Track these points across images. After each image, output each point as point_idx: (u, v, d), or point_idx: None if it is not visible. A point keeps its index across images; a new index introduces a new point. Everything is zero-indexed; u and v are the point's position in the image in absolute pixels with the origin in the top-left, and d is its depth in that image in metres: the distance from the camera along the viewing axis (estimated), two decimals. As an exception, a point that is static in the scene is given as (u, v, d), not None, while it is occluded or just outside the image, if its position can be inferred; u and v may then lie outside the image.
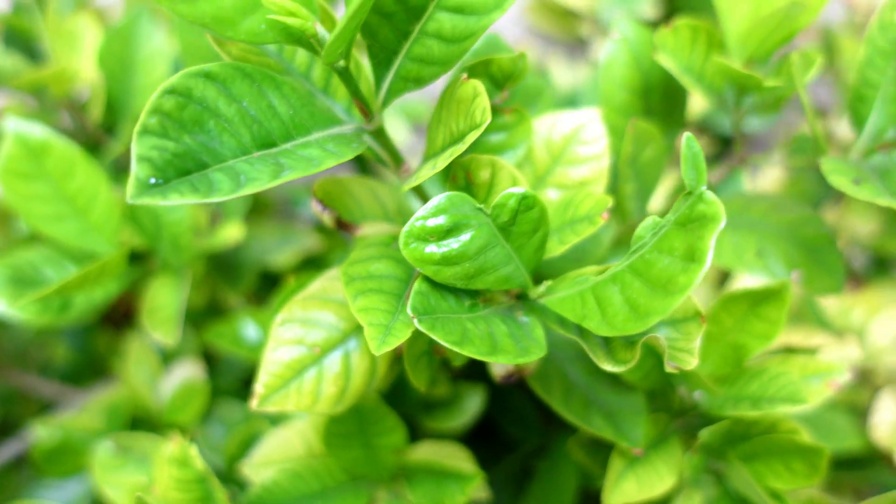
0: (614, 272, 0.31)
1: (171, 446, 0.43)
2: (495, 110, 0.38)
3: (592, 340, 0.34)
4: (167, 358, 0.70)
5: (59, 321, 0.51)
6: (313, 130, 0.32)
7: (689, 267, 0.27)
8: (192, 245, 0.54)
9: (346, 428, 0.47)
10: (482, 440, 0.80)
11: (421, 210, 0.31)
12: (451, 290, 0.33)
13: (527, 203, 0.32)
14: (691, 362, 0.32)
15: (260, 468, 0.50)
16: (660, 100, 0.49)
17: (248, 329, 0.59)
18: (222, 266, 0.64)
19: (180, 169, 0.26)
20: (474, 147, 0.39)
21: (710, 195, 0.27)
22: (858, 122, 0.43)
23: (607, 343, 0.34)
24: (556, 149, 0.41)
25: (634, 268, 0.30)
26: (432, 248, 0.31)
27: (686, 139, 0.28)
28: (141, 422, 0.65)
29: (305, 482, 0.49)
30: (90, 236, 0.50)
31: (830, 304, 0.71)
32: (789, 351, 0.45)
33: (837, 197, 0.78)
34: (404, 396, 0.56)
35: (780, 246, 0.46)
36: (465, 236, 0.31)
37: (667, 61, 0.44)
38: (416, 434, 0.56)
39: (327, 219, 0.39)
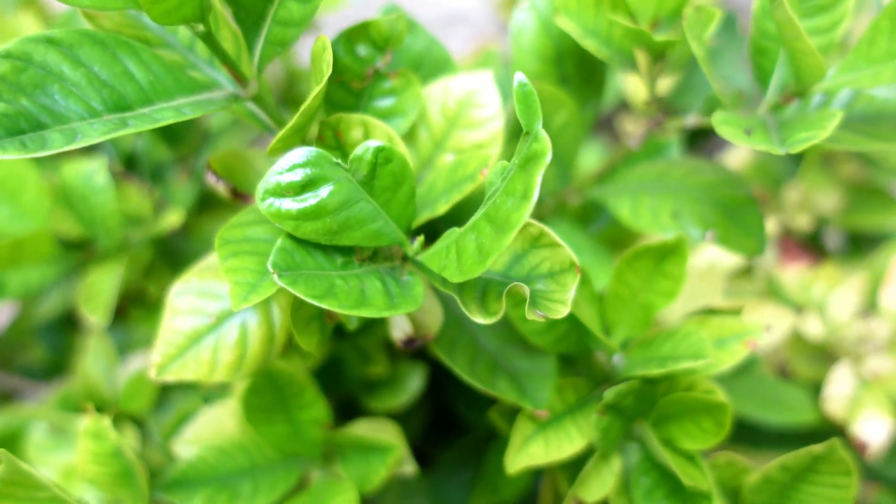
0: (473, 220, 0.31)
1: (87, 420, 0.44)
2: (381, 75, 0.39)
3: (468, 295, 0.34)
4: (125, 350, 0.71)
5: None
6: (177, 96, 0.32)
7: (521, 204, 0.27)
8: (122, 230, 0.55)
9: (265, 401, 0.47)
10: (443, 427, 0.79)
11: (276, 165, 0.31)
12: (321, 247, 0.33)
13: (385, 156, 0.32)
14: (562, 311, 0.32)
15: (191, 445, 0.51)
16: (575, 67, 0.49)
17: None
18: (173, 256, 0.65)
19: (11, 129, 0.27)
20: (366, 110, 0.39)
21: (542, 133, 0.27)
22: (762, 76, 0.42)
23: (483, 296, 0.34)
24: (451, 113, 0.41)
25: (488, 214, 0.30)
26: (289, 204, 0.31)
27: (518, 82, 0.28)
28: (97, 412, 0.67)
29: (233, 459, 0.49)
30: (22, 221, 0.51)
31: (791, 281, 0.70)
32: (710, 312, 0.44)
33: (802, 174, 0.77)
34: (343, 376, 0.57)
35: (695, 207, 0.46)
36: (324, 191, 0.32)
37: (567, 24, 0.44)
38: (360, 415, 0.56)
39: (223, 189, 0.40)
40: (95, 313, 0.53)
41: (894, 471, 0.74)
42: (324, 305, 0.31)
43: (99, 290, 0.55)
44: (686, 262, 0.40)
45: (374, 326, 0.53)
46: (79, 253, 0.57)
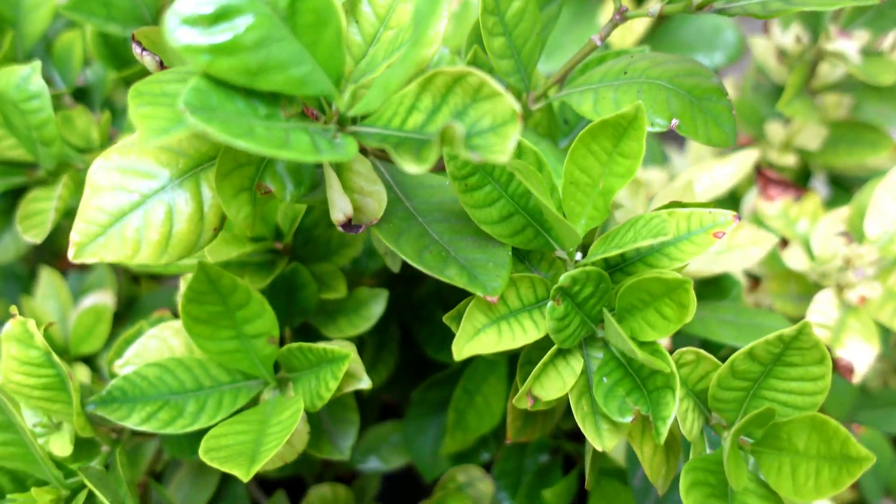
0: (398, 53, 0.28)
1: (11, 324, 0.41)
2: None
3: (405, 151, 0.32)
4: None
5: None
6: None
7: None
8: (64, 150, 0.52)
9: (207, 311, 0.44)
10: (415, 377, 0.76)
11: (186, -8, 0.29)
12: (242, 94, 0.31)
13: (305, -14, 0.29)
14: (501, 158, 0.30)
15: (132, 365, 0.48)
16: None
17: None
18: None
19: None
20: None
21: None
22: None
23: (419, 150, 0.32)
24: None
25: (412, 38, 0.27)
26: (201, 37, 0.29)
27: None
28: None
29: (176, 378, 0.46)
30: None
31: (776, 214, 0.68)
32: (677, 204, 0.42)
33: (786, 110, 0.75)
34: (299, 303, 0.54)
35: (659, 96, 0.43)
36: (240, 23, 0.29)
37: None
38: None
39: (148, 62, 0.37)
40: (30, 232, 0.50)
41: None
42: (240, 143, 0.28)
43: (37, 209, 0.52)
44: (644, 135, 0.38)
45: (319, 214, 0.50)
46: (21, 175, 0.55)
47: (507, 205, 0.40)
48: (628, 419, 0.38)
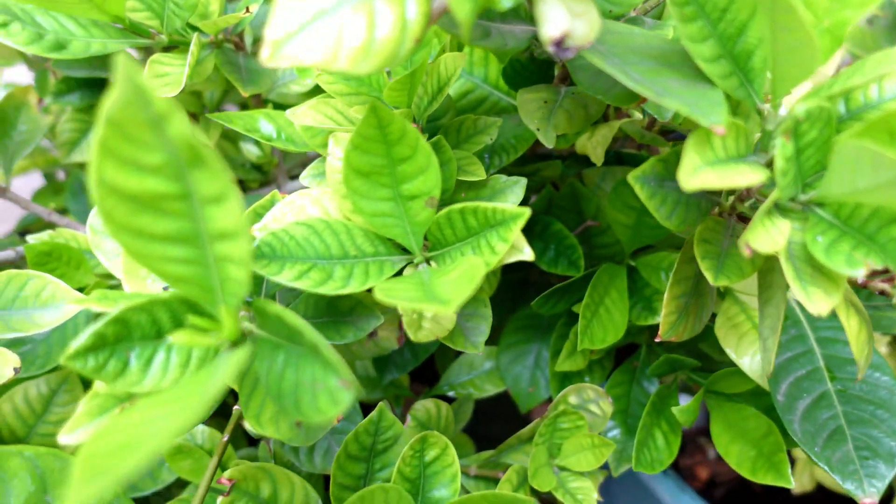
0: None
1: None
2: None
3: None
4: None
5: (57, 55, 0.46)
6: None
7: None
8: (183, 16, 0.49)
9: (369, 161, 0.41)
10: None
11: None
12: None
13: None
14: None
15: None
16: None
17: (264, 124, 0.54)
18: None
19: None
20: None
21: None
22: None
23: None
24: None
25: None
26: None
27: None
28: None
29: (322, 241, 0.43)
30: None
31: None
32: None
33: None
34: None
35: None
36: None
37: None
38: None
39: None
40: (164, 90, 0.47)
41: None
42: None
43: (165, 71, 0.49)
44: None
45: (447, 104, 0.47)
46: (146, 38, 0.51)
47: (716, 46, 0.37)
48: (860, 271, 0.34)
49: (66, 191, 0.80)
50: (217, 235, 0.31)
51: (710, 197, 0.44)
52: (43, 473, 0.37)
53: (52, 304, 0.45)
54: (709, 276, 0.40)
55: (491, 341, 0.72)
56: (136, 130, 0.28)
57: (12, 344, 0.52)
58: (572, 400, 0.61)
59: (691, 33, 0.36)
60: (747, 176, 0.34)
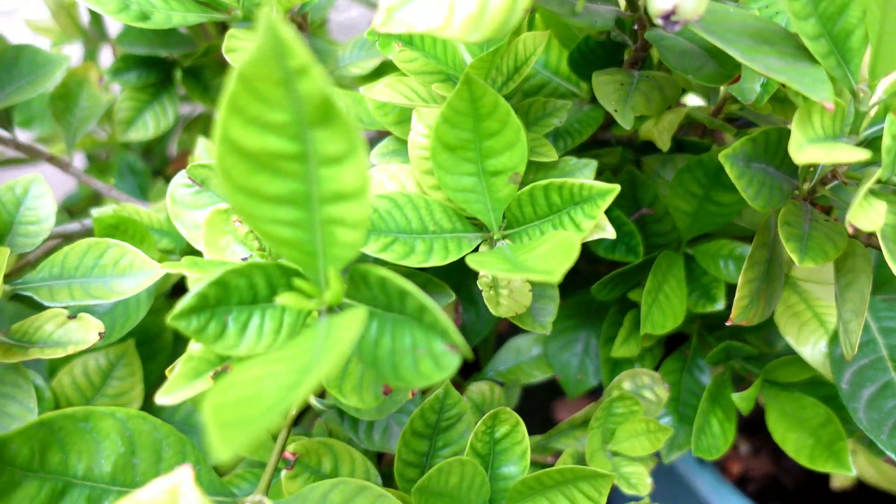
0: None
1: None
2: None
3: None
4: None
5: (142, 25, 0.46)
6: None
7: None
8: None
9: (457, 136, 0.41)
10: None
11: None
12: None
13: None
14: None
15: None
16: None
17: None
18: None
19: None
20: None
21: None
22: None
23: None
24: None
25: None
26: None
27: None
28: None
29: (403, 215, 0.43)
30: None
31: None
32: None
33: None
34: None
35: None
36: None
37: None
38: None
39: None
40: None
41: None
42: None
43: (239, 46, 0.49)
44: None
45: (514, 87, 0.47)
46: (223, 13, 0.52)
47: (817, 24, 0.37)
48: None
49: (112, 171, 0.81)
50: (331, 197, 0.31)
51: (791, 181, 0.44)
52: (132, 435, 0.37)
53: (129, 272, 0.45)
54: (795, 257, 0.40)
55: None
56: (266, 87, 0.28)
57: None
58: (626, 385, 0.61)
59: (796, 10, 0.36)
60: (851, 153, 0.35)
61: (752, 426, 0.98)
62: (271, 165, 0.31)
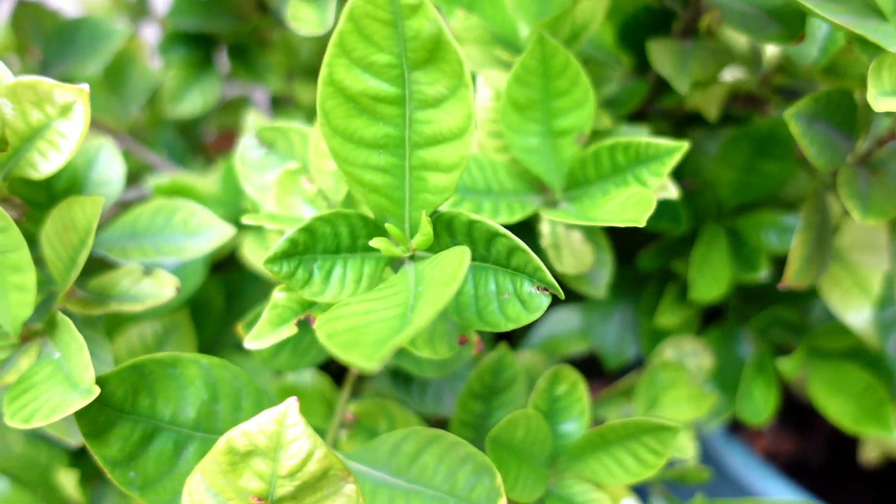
0: None
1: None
2: None
3: None
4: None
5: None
6: None
7: None
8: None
9: (527, 95, 0.42)
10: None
11: None
12: None
13: None
14: None
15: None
16: None
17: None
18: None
19: None
20: None
21: None
22: None
23: None
24: None
25: None
26: None
27: None
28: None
29: (469, 174, 0.44)
30: None
31: None
32: None
33: None
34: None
35: None
36: None
37: None
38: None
39: None
40: (305, 28, 0.48)
41: None
42: None
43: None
44: None
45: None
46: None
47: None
48: None
49: (153, 148, 0.82)
50: (426, 141, 0.32)
51: (848, 142, 0.45)
52: (215, 383, 0.38)
53: (199, 232, 0.46)
54: (856, 214, 0.42)
55: (576, 300, 0.74)
56: (374, 28, 0.29)
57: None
58: (669, 354, 0.63)
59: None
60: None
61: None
62: (370, 109, 0.32)
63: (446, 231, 0.37)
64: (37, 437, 0.56)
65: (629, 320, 0.71)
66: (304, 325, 0.50)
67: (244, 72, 0.71)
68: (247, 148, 0.47)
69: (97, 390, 0.32)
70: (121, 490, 0.57)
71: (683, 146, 0.41)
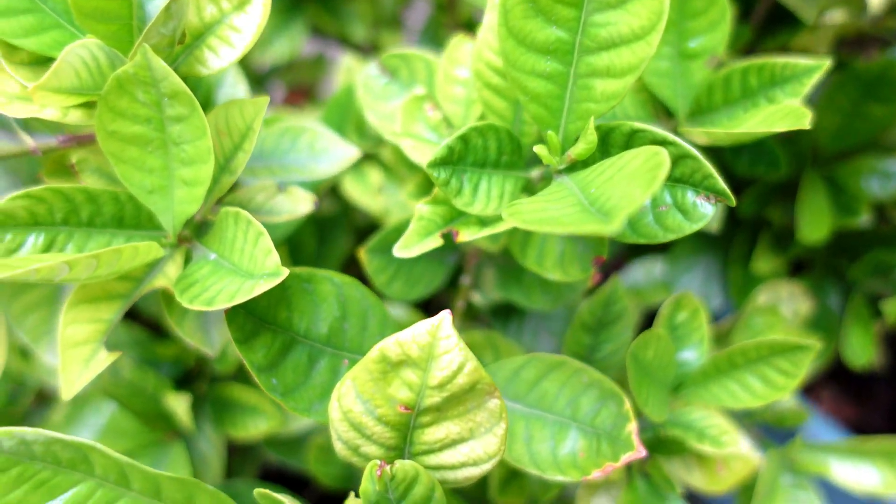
0: None
1: None
2: None
3: None
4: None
5: None
6: None
7: None
8: None
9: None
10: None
11: None
12: None
13: None
14: None
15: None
16: None
17: None
18: None
19: None
20: None
21: None
22: None
23: None
24: None
25: None
26: None
27: None
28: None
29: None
30: None
31: None
32: None
33: None
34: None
35: None
36: None
37: None
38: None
39: None
40: None
41: None
42: None
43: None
44: None
45: None
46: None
47: None
48: None
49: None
50: (600, 45, 0.32)
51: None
52: (345, 301, 0.38)
53: (324, 153, 0.46)
54: None
55: (659, 251, 0.74)
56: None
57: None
58: (763, 299, 0.63)
59: None
60: None
61: (836, 373, 0.99)
62: (547, 10, 0.32)
63: (599, 143, 0.37)
64: (146, 363, 0.57)
65: (713, 270, 0.71)
66: (417, 258, 0.51)
67: (330, 20, 0.71)
68: (370, 76, 0.48)
69: (285, 271, 0.32)
70: (215, 418, 0.59)
71: (824, 64, 0.41)
